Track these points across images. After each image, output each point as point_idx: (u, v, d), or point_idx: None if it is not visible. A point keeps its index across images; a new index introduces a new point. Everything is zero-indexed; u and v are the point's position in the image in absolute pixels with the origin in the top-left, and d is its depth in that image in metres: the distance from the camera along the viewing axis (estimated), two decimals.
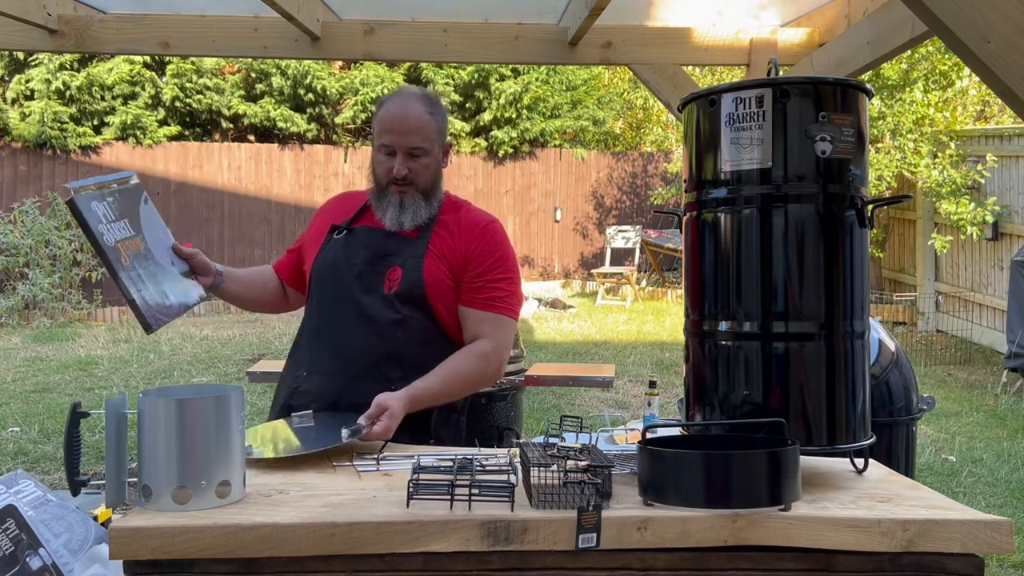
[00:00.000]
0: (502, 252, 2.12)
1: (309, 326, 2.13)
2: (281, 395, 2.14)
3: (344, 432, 1.72)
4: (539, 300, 11.60)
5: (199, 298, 1.99)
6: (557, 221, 13.42)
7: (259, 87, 12.25)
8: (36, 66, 11.07)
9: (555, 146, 13.51)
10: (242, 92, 12.28)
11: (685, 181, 1.71)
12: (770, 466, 1.38)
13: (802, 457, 1.44)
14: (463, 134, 12.80)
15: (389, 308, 2.03)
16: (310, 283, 2.15)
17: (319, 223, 2.24)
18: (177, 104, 11.82)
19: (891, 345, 2.59)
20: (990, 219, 8.16)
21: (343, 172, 12.35)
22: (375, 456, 1.71)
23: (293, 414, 1.91)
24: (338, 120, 12.50)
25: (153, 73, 11.69)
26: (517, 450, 1.62)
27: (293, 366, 2.14)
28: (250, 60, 11.64)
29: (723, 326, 1.60)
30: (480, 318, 2.07)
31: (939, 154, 8.86)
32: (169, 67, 11.66)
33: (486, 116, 12.77)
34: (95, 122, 11.38)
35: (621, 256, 12.65)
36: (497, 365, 2.07)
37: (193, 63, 11.63)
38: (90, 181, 1.80)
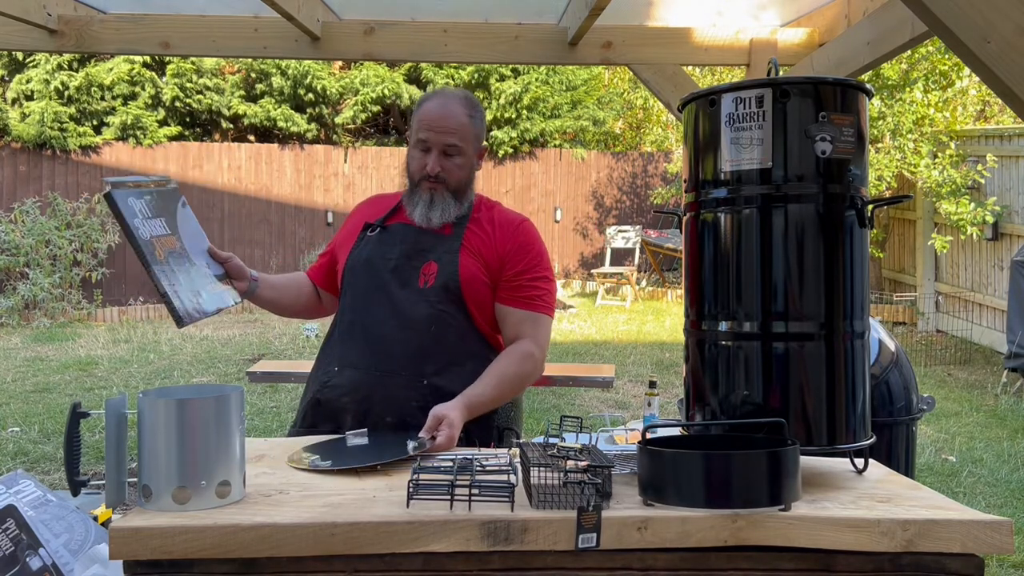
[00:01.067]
0: (537, 250, 2.14)
1: (342, 322, 2.14)
2: (310, 390, 2.14)
3: (410, 444, 1.71)
4: None
5: (234, 301, 1.98)
6: (557, 221, 13.42)
7: (259, 87, 12.26)
8: (34, 67, 11.07)
9: (555, 146, 13.51)
10: (242, 92, 12.28)
11: (685, 181, 1.71)
12: (770, 466, 1.38)
13: (802, 457, 1.44)
14: None
15: (424, 302, 2.03)
16: (343, 280, 2.15)
17: (351, 224, 2.25)
18: (177, 104, 11.82)
19: (891, 345, 2.59)
20: (990, 219, 8.16)
21: (343, 172, 12.35)
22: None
23: (348, 433, 1.87)
24: (338, 120, 12.51)
25: (153, 73, 11.69)
26: (517, 450, 1.62)
27: (324, 361, 2.14)
28: (250, 60, 11.64)
29: (723, 326, 1.60)
30: (520, 317, 2.08)
31: (939, 154, 8.86)
32: (169, 67, 11.67)
33: (486, 116, 12.76)
34: (95, 122, 11.39)
35: (621, 256, 12.65)
36: (540, 363, 2.09)
37: (193, 63, 11.64)
38: (128, 179, 1.80)
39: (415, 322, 2.02)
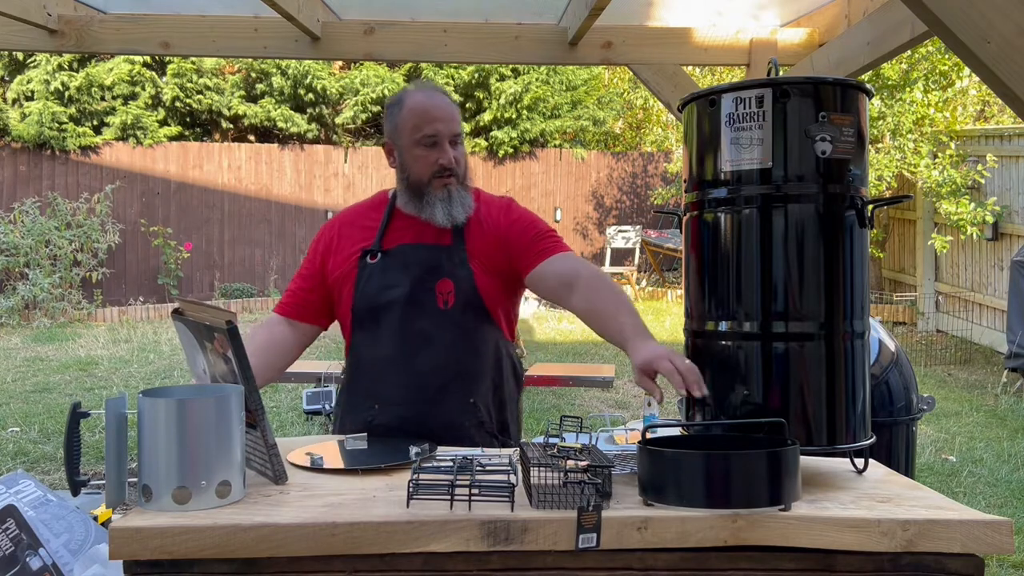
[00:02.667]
0: (530, 217, 2.08)
1: (367, 357, 2.03)
2: (348, 430, 2.02)
3: (413, 450, 1.71)
4: (539, 300, 11.59)
5: None
6: (557, 221, 13.42)
7: (259, 87, 12.26)
8: (35, 67, 11.08)
9: (555, 146, 13.51)
10: (242, 92, 12.28)
11: (685, 181, 1.71)
12: (770, 466, 1.38)
13: (802, 457, 1.44)
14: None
15: (450, 324, 1.97)
16: (353, 315, 2.03)
17: (341, 249, 2.08)
18: (177, 104, 11.82)
19: (891, 345, 2.59)
20: (990, 219, 8.16)
21: (343, 172, 12.36)
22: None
23: (347, 436, 1.85)
24: (338, 120, 12.50)
25: (153, 73, 11.69)
26: (517, 450, 1.62)
27: (357, 401, 2.04)
28: (250, 60, 11.65)
29: (723, 326, 1.60)
30: (555, 264, 1.98)
31: (939, 154, 8.86)
32: (169, 67, 11.67)
33: (486, 116, 12.77)
34: (95, 122, 11.39)
35: (621, 256, 12.65)
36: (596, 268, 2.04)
37: (193, 63, 11.64)
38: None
39: (448, 347, 1.96)
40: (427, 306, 1.97)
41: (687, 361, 1.62)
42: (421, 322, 1.97)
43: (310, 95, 12.18)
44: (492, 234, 2.03)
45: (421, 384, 1.96)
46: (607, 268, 12.27)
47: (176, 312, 1.68)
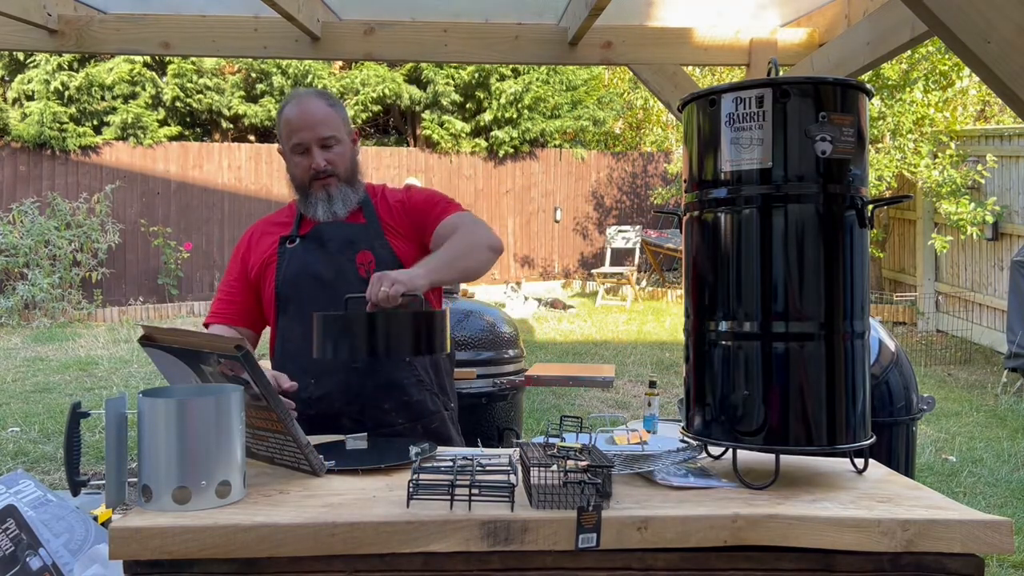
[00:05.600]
0: (429, 191, 2.23)
1: (293, 337, 2.09)
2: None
3: (413, 450, 1.71)
4: (539, 300, 11.59)
5: None
6: (557, 221, 13.42)
7: (260, 87, 12.25)
8: (35, 67, 11.07)
9: (555, 146, 13.51)
10: (242, 92, 12.28)
11: (685, 181, 1.71)
12: None
13: (802, 457, 1.44)
14: (463, 134, 12.80)
15: None
16: (277, 299, 2.12)
17: (258, 250, 2.19)
18: (177, 104, 11.82)
19: (891, 345, 2.59)
20: (990, 219, 8.16)
21: None
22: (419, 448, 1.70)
23: (348, 436, 1.87)
24: None
25: (153, 73, 11.69)
26: (517, 450, 1.62)
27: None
28: (250, 60, 11.64)
29: (723, 326, 1.60)
30: (447, 223, 2.08)
31: (939, 154, 8.86)
32: (169, 67, 11.67)
33: (486, 116, 12.77)
34: (95, 122, 11.38)
35: (621, 256, 12.65)
36: (486, 230, 2.09)
37: (193, 63, 11.64)
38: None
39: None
40: (350, 277, 2.05)
41: (391, 289, 1.73)
42: (346, 293, 2.02)
43: None
44: (397, 206, 2.16)
45: None
46: (607, 268, 12.27)
47: (145, 338, 1.66)
